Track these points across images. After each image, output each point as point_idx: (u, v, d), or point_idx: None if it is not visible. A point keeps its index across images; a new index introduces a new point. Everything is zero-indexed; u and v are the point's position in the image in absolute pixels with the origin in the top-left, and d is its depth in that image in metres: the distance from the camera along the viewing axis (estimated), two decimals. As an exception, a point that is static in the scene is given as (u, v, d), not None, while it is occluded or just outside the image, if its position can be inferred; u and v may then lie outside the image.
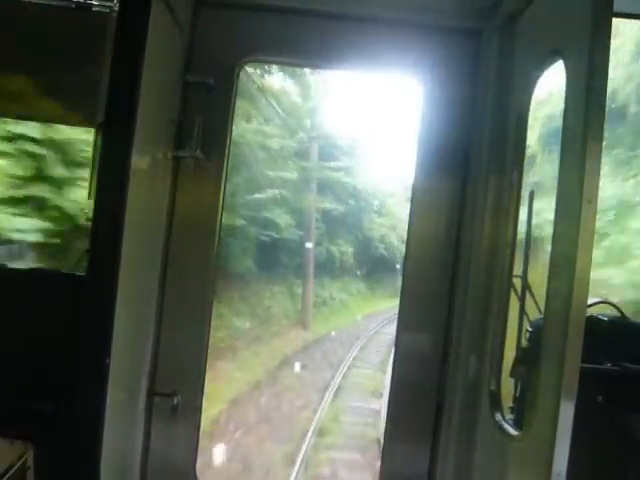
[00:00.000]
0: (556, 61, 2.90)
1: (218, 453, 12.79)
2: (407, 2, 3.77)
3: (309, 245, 27.85)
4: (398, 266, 35.64)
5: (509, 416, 3.33)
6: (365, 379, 20.66)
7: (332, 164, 30.08)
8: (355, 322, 28.94)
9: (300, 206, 27.82)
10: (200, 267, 3.84)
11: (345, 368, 21.71)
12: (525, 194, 3.49)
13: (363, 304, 32.23)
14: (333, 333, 26.14)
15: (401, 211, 36.84)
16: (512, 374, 3.47)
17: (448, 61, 3.79)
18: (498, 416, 3.23)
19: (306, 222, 28.25)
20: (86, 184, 3.41)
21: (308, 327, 25.82)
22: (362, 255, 33.95)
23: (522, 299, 3.47)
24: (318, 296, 28.66)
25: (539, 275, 3.15)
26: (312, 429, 15.57)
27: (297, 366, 20.60)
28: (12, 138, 7.80)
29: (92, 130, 3.44)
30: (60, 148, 8.31)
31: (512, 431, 3.05)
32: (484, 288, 3.48)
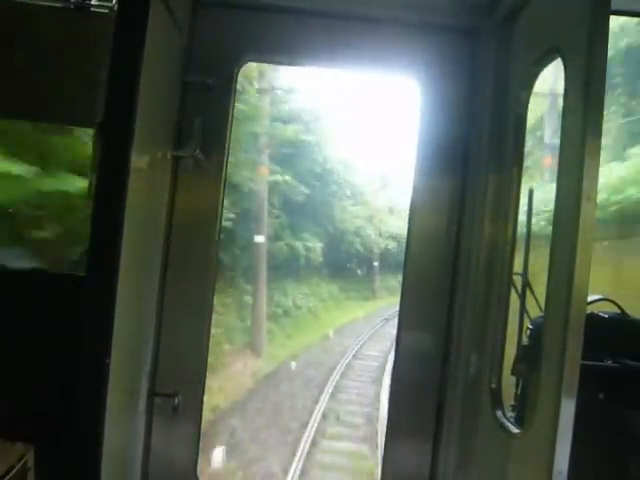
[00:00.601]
0: (554, 59, 2.91)
1: None
2: (405, 1, 3.77)
3: (260, 239, 21.06)
4: (376, 263, 33.39)
5: (510, 414, 3.33)
6: (345, 470, 11.60)
7: (286, 107, 23.64)
8: (326, 339, 22.86)
9: (239, 180, 19.39)
10: (200, 267, 3.84)
11: (307, 444, 12.38)
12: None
13: (336, 312, 26.65)
14: (294, 363, 18.84)
15: (378, 201, 33.72)
16: (513, 372, 3.47)
17: (446, 60, 3.79)
18: (499, 414, 3.23)
19: (256, 207, 20.97)
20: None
21: (260, 352, 18.83)
22: (334, 251, 28.25)
23: (522, 297, 3.47)
24: (279, 305, 22.72)
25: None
26: None
27: (218, 454, 11.46)
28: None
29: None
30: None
31: (513, 429, 3.05)
32: (484, 286, 3.48)
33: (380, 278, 33.47)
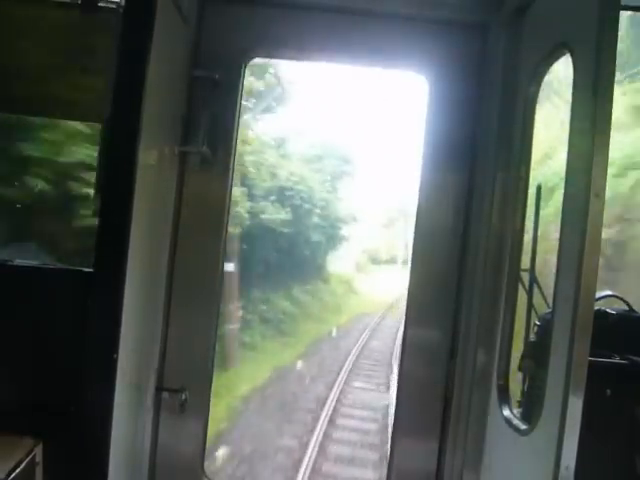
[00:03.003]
0: (563, 54, 2.90)
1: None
2: None
3: None
4: (232, 266, 14.56)
5: (517, 410, 3.33)
6: None
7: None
8: None
9: None
10: (207, 262, 3.85)
11: None
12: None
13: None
14: None
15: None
16: (520, 368, 3.47)
17: (454, 55, 3.78)
18: (506, 410, 3.23)
19: None
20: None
21: None
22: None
23: (530, 293, 3.46)
24: None
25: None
26: None
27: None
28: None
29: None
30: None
31: (520, 425, 3.05)
32: (492, 282, 3.48)
33: (248, 301, 17.68)
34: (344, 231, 27.54)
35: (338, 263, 29.12)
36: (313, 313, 22.82)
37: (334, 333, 22.58)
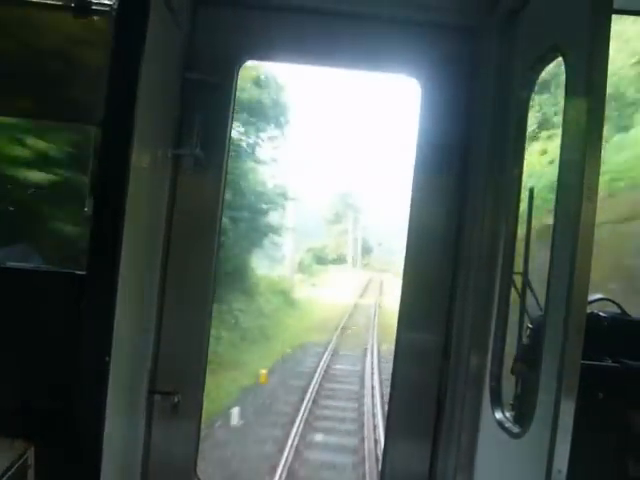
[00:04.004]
0: (556, 58, 2.91)
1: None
2: (406, 0, 3.78)
3: None
4: None
5: (510, 413, 3.34)
6: None
7: None
8: None
9: None
10: (200, 265, 3.85)
11: None
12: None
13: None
14: None
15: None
16: (512, 371, 3.47)
17: (446, 58, 3.79)
18: (499, 413, 3.23)
19: None
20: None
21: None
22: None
23: (522, 296, 3.46)
24: None
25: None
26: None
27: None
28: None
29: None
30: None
31: (513, 428, 3.05)
32: (485, 285, 3.48)
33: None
34: (272, 218, 20.00)
35: (273, 266, 22.32)
36: (214, 357, 13.15)
37: (235, 416, 12.98)
